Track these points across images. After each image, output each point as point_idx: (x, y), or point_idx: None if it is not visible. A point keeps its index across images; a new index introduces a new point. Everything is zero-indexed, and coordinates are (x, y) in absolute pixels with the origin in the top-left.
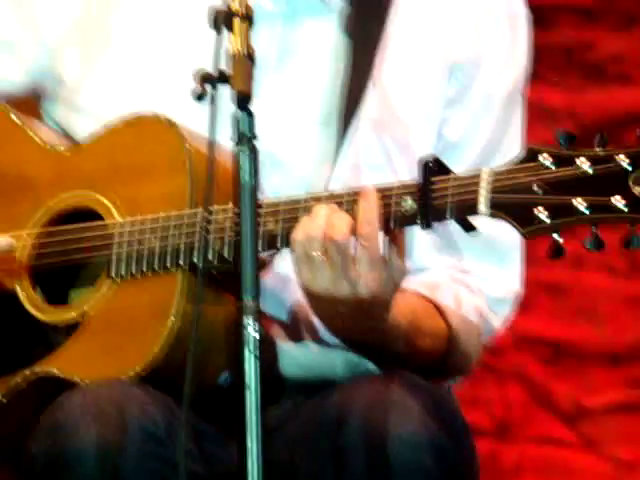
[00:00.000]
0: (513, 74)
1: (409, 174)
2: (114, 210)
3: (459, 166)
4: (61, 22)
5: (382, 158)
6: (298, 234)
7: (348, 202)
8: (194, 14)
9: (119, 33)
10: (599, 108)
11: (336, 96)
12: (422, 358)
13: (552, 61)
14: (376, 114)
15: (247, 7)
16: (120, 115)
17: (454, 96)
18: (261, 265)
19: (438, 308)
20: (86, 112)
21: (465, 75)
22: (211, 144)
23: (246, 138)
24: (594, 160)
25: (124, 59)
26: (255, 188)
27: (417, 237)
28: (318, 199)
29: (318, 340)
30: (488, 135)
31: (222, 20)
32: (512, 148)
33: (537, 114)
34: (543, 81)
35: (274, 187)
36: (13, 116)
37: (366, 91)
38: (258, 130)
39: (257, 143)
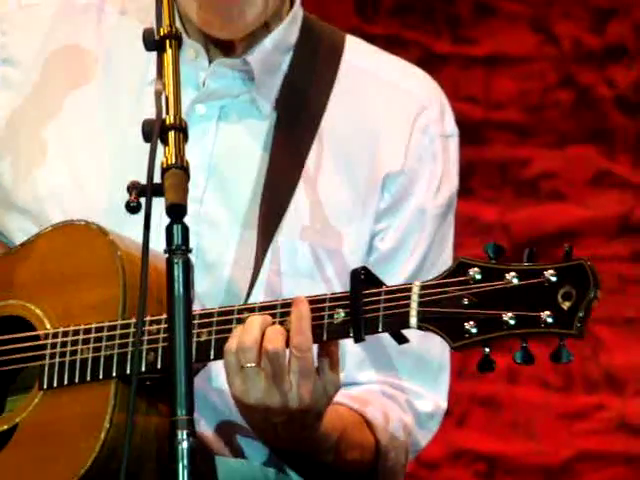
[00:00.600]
0: (447, 192)
1: (339, 281)
2: (45, 319)
3: (394, 279)
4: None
5: (309, 264)
6: (232, 345)
7: (281, 313)
8: (137, 121)
9: (55, 140)
10: (532, 224)
11: (259, 198)
12: (351, 471)
13: (486, 177)
14: (303, 218)
15: (181, 120)
16: (57, 217)
17: (386, 207)
18: (197, 374)
19: (367, 422)
20: (26, 216)
21: (397, 187)
22: (144, 257)
23: (180, 250)
24: (523, 274)
25: (68, 162)
26: (188, 300)
27: (349, 350)
28: (251, 310)
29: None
30: (422, 250)
31: (156, 133)
32: (445, 262)
33: (471, 229)
34: (477, 196)
35: (203, 290)
36: None
37: (292, 196)
38: (196, 230)
39: (190, 256)
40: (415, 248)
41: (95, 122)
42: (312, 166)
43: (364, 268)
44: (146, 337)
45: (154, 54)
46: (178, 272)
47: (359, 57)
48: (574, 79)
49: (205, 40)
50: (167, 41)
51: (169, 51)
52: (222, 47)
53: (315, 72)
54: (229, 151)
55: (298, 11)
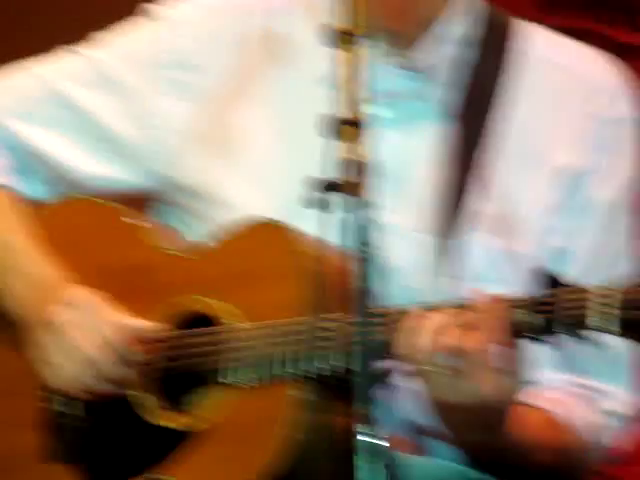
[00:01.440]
0: (617, 182)
1: (519, 282)
2: (231, 316)
3: (568, 274)
4: (177, 129)
5: (488, 266)
6: (424, 344)
7: (463, 311)
8: (310, 120)
9: (237, 142)
10: None
11: (438, 202)
12: (540, 471)
13: None
14: (477, 207)
15: (358, 115)
16: (236, 219)
17: (558, 203)
18: (383, 375)
19: (557, 422)
20: (203, 218)
21: (570, 181)
22: (321, 252)
23: (359, 244)
24: None
25: (241, 167)
26: (369, 296)
27: (536, 349)
28: (437, 309)
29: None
30: (592, 244)
31: (335, 128)
32: (618, 259)
33: None
34: None
35: (382, 295)
36: (125, 219)
37: (469, 197)
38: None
39: (370, 249)
40: (587, 242)
41: (267, 123)
42: (489, 164)
43: (549, 269)
44: (327, 333)
45: (323, 52)
46: (358, 267)
47: (538, 46)
48: None
49: (381, 38)
50: (345, 36)
51: (347, 46)
52: (397, 45)
53: (494, 65)
54: (405, 153)
55: (474, 3)
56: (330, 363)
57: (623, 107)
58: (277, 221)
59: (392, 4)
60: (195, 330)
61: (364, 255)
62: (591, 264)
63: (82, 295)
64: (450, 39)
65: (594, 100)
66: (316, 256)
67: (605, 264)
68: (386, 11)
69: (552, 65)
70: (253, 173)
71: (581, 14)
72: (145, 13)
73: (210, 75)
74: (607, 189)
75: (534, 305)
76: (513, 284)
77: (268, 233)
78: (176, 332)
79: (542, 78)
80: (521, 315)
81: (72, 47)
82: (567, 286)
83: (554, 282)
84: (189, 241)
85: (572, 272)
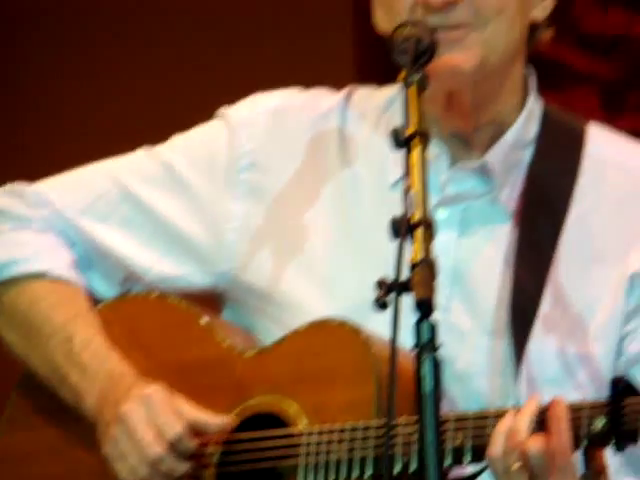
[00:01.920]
0: None
1: (591, 387)
2: (300, 417)
3: None
4: (248, 232)
5: (561, 371)
6: (497, 450)
7: (539, 416)
8: (378, 223)
9: (307, 245)
10: None
11: (507, 305)
12: None
13: None
14: (551, 320)
15: (429, 217)
16: (306, 320)
17: (634, 308)
18: None
19: None
20: (274, 319)
21: None
22: (393, 355)
23: (428, 347)
24: None
25: (311, 269)
26: (438, 399)
27: (607, 455)
28: (506, 413)
29: None
30: None
31: (404, 229)
32: None
33: None
34: None
35: (451, 399)
36: (196, 317)
37: (540, 299)
38: (442, 338)
39: (439, 352)
40: None
41: (336, 227)
42: (558, 266)
43: (623, 376)
44: (399, 437)
45: (393, 158)
46: (427, 369)
47: (603, 146)
48: None
49: (445, 141)
50: (415, 139)
51: (417, 148)
52: (461, 148)
53: (558, 165)
54: (472, 256)
55: (535, 103)
56: (403, 466)
57: None
58: (351, 322)
59: (464, 110)
60: (263, 432)
61: (434, 358)
62: None
63: (154, 392)
64: (522, 144)
65: None
66: (388, 359)
67: None
68: (458, 116)
69: (621, 169)
70: (322, 276)
71: None
72: (219, 116)
73: (280, 176)
74: None
75: (607, 412)
76: (587, 389)
77: (342, 334)
78: (245, 434)
79: (608, 180)
80: (601, 422)
81: (147, 147)
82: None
83: (628, 389)
84: (259, 339)
85: None
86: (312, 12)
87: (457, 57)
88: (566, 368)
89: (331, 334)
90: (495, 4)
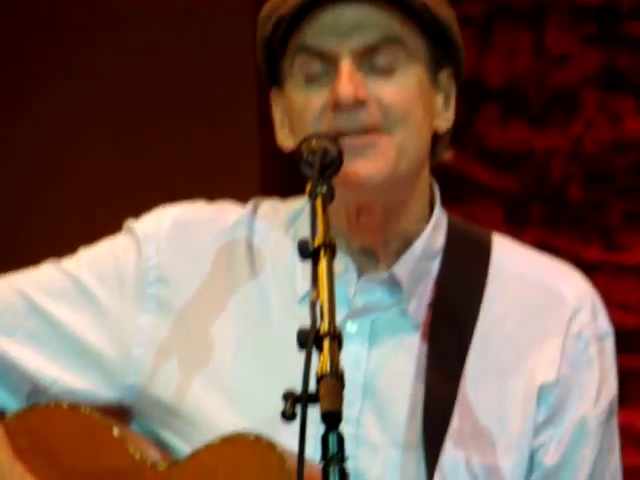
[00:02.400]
0: (607, 397)
1: None
2: None
3: None
4: (155, 345)
5: None
6: None
7: None
8: (287, 336)
9: (213, 351)
10: None
11: (419, 418)
12: None
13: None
14: (461, 433)
15: (336, 328)
16: (215, 434)
17: (545, 419)
18: None
19: None
20: (180, 433)
21: (555, 397)
22: (300, 468)
23: (335, 459)
24: None
25: (219, 381)
26: None
27: None
28: None
29: None
30: (590, 463)
31: (311, 341)
32: (616, 475)
33: (626, 439)
34: (633, 406)
35: None
36: (114, 431)
37: (451, 411)
38: (354, 453)
39: (346, 465)
40: (582, 462)
41: (244, 339)
42: (466, 378)
43: None
44: None
45: (301, 271)
46: None
47: (508, 258)
48: None
49: (352, 254)
50: (322, 250)
51: (323, 260)
52: (369, 261)
53: (465, 276)
54: (383, 369)
55: (441, 215)
56: None
57: (604, 321)
58: (265, 437)
59: (374, 223)
60: None
61: (342, 470)
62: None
63: None
64: (430, 255)
65: (577, 319)
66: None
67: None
68: (367, 231)
69: (525, 281)
70: (231, 389)
71: (547, 230)
72: (125, 229)
73: (187, 289)
74: (598, 407)
75: None
76: None
77: (256, 449)
78: None
79: (512, 292)
80: None
81: (54, 260)
82: None
83: None
84: (168, 453)
85: None
86: (219, 125)
87: (369, 164)
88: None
89: (246, 449)
90: (403, 107)
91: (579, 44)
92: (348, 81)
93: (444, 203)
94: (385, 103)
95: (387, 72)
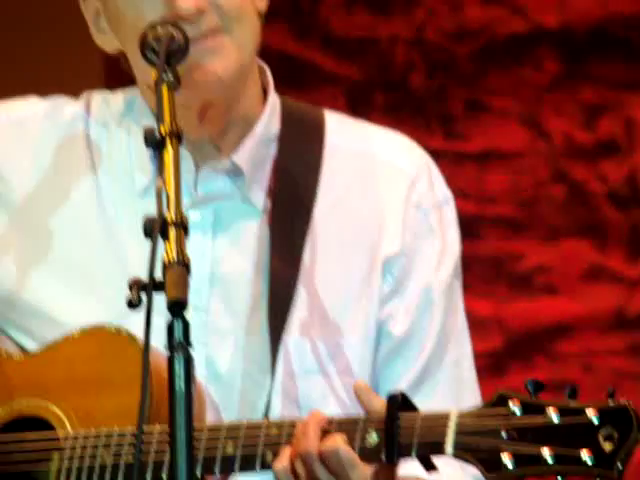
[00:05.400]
0: (451, 262)
1: (339, 379)
2: (67, 421)
3: (415, 362)
4: None
5: (315, 363)
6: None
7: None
8: (132, 223)
9: (56, 243)
10: (526, 318)
11: (265, 303)
12: None
13: (480, 272)
14: (305, 315)
15: (182, 216)
16: (59, 325)
17: (391, 290)
18: None
19: None
20: (20, 327)
21: (399, 268)
22: (145, 356)
23: (180, 345)
24: (563, 411)
25: (64, 272)
26: (189, 396)
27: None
28: (280, 426)
29: None
30: (437, 327)
31: (157, 229)
32: (462, 334)
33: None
34: (471, 291)
35: (218, 401)
36: None
37: (294, 293)
38: (195, 340)
39: (192, 351)
40: (429, 327)
41: (88, 231)
42: (308, 258)
43: (400, 392)
44: (154, 446)
45: (138, 166)
46: (179, 368)
47: (341, 136)
48: (566, 174)
49: (192, 145)
50: (168, 138)
51: (170, 148)
52: (210, 150)
53: (301, 158)
54: (228, 256)
55: (275, 99)
56: (168, 472)
57: (442, 189)
58: (126, 330)
59: (218, 117)
60: (23, 434)
61: (183, 353)
62: (438, 347)
63: None
64: (267, 139)
65: (415, 190)
66: (158, 365)
67: (451, 344)
68: (210, 124)
69: (360, 156)
70: (77, 280)
71: (389, 118)
72: None
73: (25, 185)
74: (441, 274)
75: (389, 427)
76: (341, 378)
77: (117, 341)
78: (2, 435)
79: (349, 168)
80: (374, 437)
81: None
82: (419, 411)
83: (408, 406)
84: (25, 348)
85: (420, 358)
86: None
87: (217, 65)
88: (321, 358)
89: (105, 341)
90: (237, 6)
91: None
92: None
93: (288, 92)
94: (221, 5)
95: None
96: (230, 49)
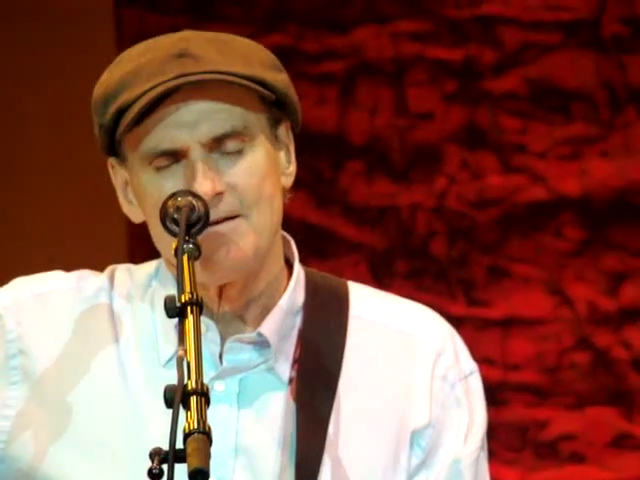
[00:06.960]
0: (478, 434)
1: None
2: None
3: None
4: (18, 415)
5: None
6: None
7: None
8: (155, 394)
9: (78, 417)
10: None
11: (291, 474)
12: None
13: (506, 439)
14: (328, 475)
15: (203, 385)
16: None
17: (419, 462)
18: None
19: None
20: None
21: (427, 440)
22: None
23: None
24: None
25: (84, 443)
26: None
27: None
28: None
29: None
30: None
31: (179, 396)
32: None
33: None
34: (497, 458)
35: None
36: None
37: (320, 465)
38: None
39: None
40: None
41: (110, 402)
42: (333, 429)
43: None
44: None
45: (162, 336)
46: None
47: (365, 307)
48: (590, 341)
49: (214, 315)
50: (188, 307)
51: (190, 317)
52: (234, 322)
53: (327, 328)
54: (254, 427)
55: (300, 271)
56: None
57: (468, 360)
58: None
59: (235, 295)
60: None
61: None
62: None
63: None
64: (293, 310)
65: (441, 362)
66: None
67: None
68: (228, 302)
69: (385, 329)
70: (96, 450)
71: (411, 285)
72: None
73: (48, 359)
74: (468, 447)
75: None
76: None
77: None
78: None
79: (374, 341)
80: None
81: None
82: None
83: None
84: None
85: None
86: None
87: (232, 252)
88: None
89: None
90: (256, 189)
91: (441, 101)
92: (204, 177)
93: (310, 260)
94: (240, 189)
95: (236, 153)
96: (245, 234)
